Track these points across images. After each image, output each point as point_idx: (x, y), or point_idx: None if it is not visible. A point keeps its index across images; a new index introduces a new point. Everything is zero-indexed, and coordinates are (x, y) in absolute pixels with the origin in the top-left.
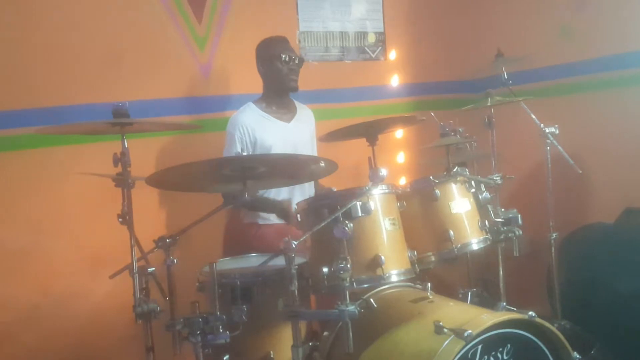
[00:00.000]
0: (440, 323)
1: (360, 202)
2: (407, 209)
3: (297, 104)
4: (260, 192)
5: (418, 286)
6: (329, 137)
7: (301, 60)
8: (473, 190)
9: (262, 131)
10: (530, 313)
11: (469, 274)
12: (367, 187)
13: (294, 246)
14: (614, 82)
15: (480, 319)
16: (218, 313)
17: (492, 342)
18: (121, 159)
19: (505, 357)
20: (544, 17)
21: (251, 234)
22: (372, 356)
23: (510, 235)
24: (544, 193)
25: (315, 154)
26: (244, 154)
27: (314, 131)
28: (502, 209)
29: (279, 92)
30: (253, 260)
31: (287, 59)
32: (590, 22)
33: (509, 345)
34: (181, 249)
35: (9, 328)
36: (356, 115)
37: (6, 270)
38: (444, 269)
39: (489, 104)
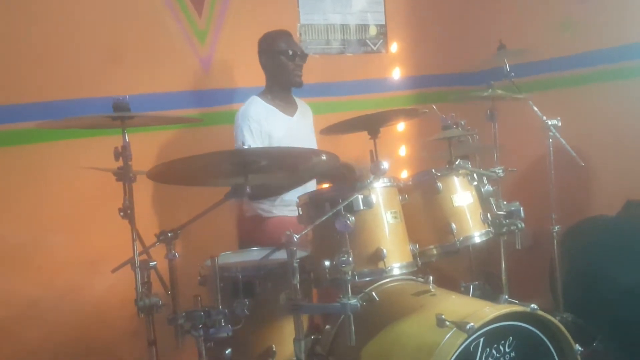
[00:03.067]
0: (442, 316)
1: (362, 195)
2: (409, 202)
3: (295, 98)
4: None
5: (420, 279)
6: (331, 130)
7: (306, 56)
8: (475, 183)
9: (271, 124)
10: (532, 306)
11: (471, 267)
12: (368, 180)
13: (295, 239)
14: (616, 74)
15: (482, 312)
16: (220, 307)
17: (494, 335)
18: (122, 152)
19: (507, 350)
20: (546, 9)
21: (254, 227)
22: (374, 349)
23: (512, 228)
24: (546, 186)
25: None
26: (253, 146)
27: (312, 126)
28: (505, 202)
29: (282, 86)
30: (255, 254)
31: (293, 54)
32: (592, 14)
33: (511, 338)
34: (183, 243)
35: (11, 323)
36: (357, 109)
37: (7, 265)
38: (446, 262)
39: (491, 96)
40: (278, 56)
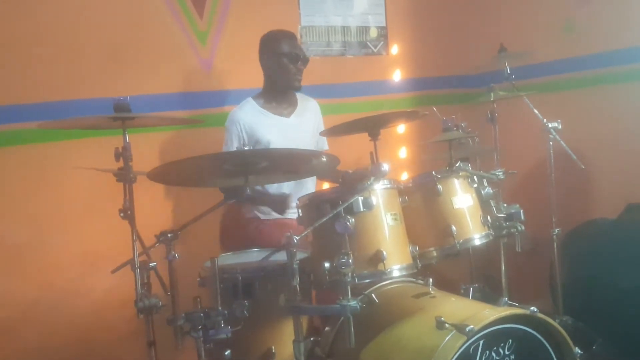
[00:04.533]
0: (442, 318)
1: (362, 197)
2: (409, 204)
3: (299, 96)
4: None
5: (420, 281)
6: (331, 132)
7: (307, 60)
8: (475, 185)
9: (260, 127)
10: (532, 308)
11: (471, 270)
12: (369, 182)
13: (295, 241)
14: (618, 76)
15: (482, 314)
16: (220, 308)
17: (494, 338)
18: (123, 153)
19: (507, 353)
20: (548, 11)
21: (252, 229)
22: (373, 352)
23: (512, 230)
24: (547, 188)
25: (323, 146)
26: (244, 148)
27: (319, 122)
28: (505, 204)
29: (281, 88)
30: (254, 255)
31: (296, 57)
32: (594, 17)
33: (510, 341)
34: (183, 244)
35: (9, 324)
36: (358, 110)
37: (7, 265)
38: (445, 265)
39: (492, 98)
40: (280, 58)
